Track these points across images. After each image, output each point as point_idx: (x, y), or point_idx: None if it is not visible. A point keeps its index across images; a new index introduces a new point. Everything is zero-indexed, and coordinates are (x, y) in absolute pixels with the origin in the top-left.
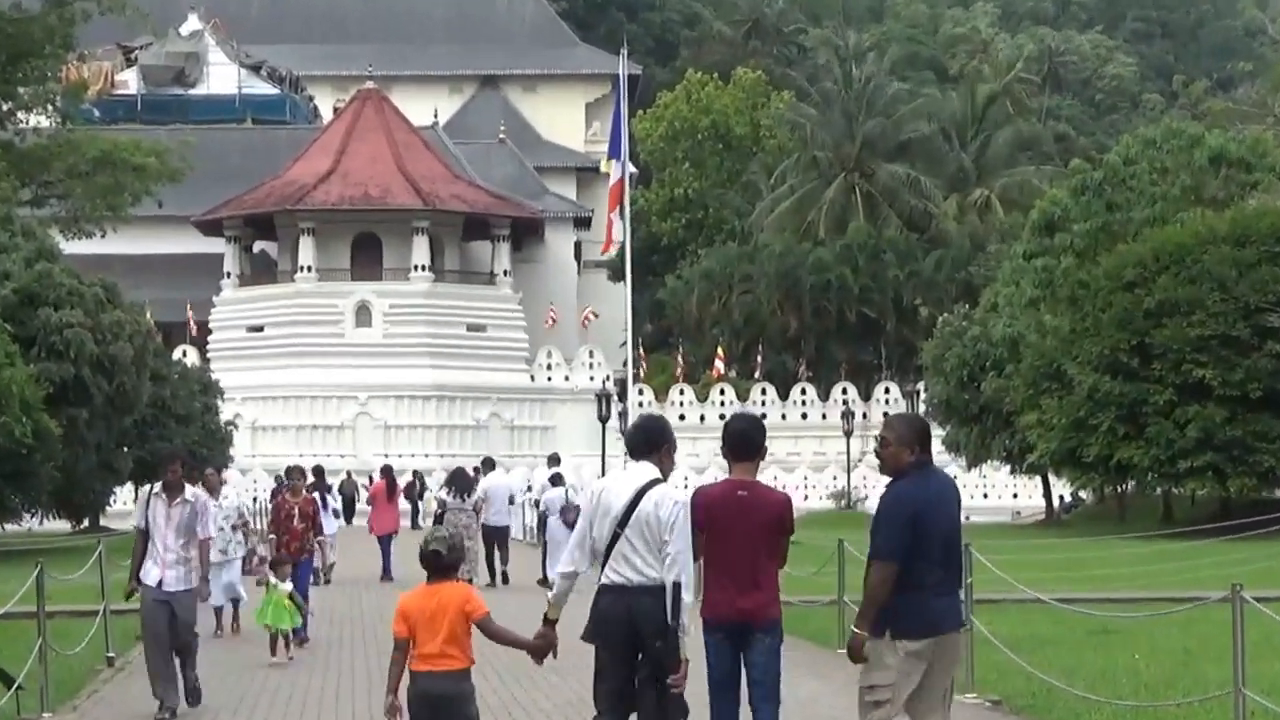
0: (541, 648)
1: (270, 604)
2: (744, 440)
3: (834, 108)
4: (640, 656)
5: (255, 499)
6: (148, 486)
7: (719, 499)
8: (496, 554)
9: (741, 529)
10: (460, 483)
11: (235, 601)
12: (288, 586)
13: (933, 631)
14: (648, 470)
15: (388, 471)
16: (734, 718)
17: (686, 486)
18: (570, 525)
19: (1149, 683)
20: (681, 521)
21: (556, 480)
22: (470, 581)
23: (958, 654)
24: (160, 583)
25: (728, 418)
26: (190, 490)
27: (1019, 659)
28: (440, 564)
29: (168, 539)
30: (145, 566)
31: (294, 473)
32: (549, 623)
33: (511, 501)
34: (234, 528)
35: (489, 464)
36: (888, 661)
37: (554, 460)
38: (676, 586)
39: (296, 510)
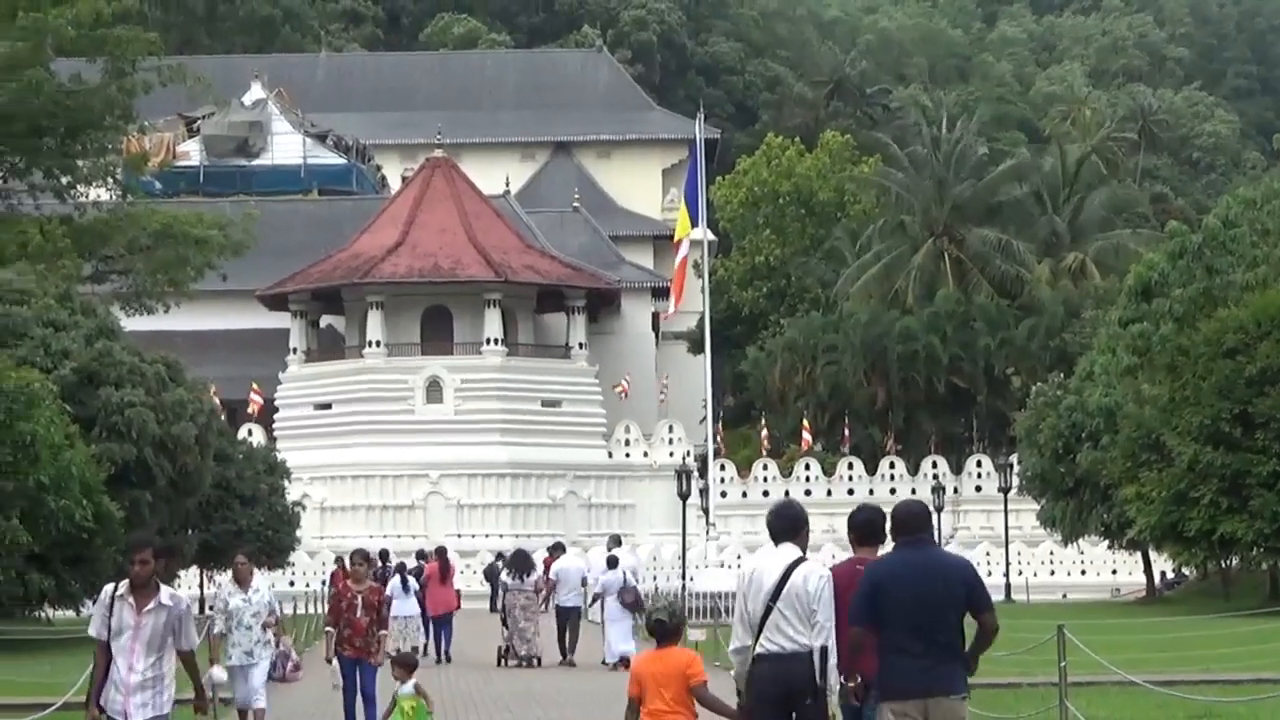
0: (736, 716)
1: (399, 713)
2: (870, 528)
3: (922, 171)
4: (794, 716)
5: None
6: (109, 585)
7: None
8: (568, 634)
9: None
10: (520, 564)
11: (258, 712)
12: (409, 689)
13: (915, 694)
14: (792, 550)
15: (442, 553)
16: None
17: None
18: (629, 607)
19: None
20: (828, 593)
21: (613, 563)
22: (536, 660)
23: (953, 716)
24: (124, 714)
25: (872, 507)
26: (167, 592)
27: None
28: (664, 630)
29: (134, 656)
30: (106, 691)
31: (357, 556)
32: (741, 695)
33: (584, 583)
34: (264, 626)
35: (559, 548)
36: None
37: (615, 542)
38: (824, 651)
39: (360, 600)
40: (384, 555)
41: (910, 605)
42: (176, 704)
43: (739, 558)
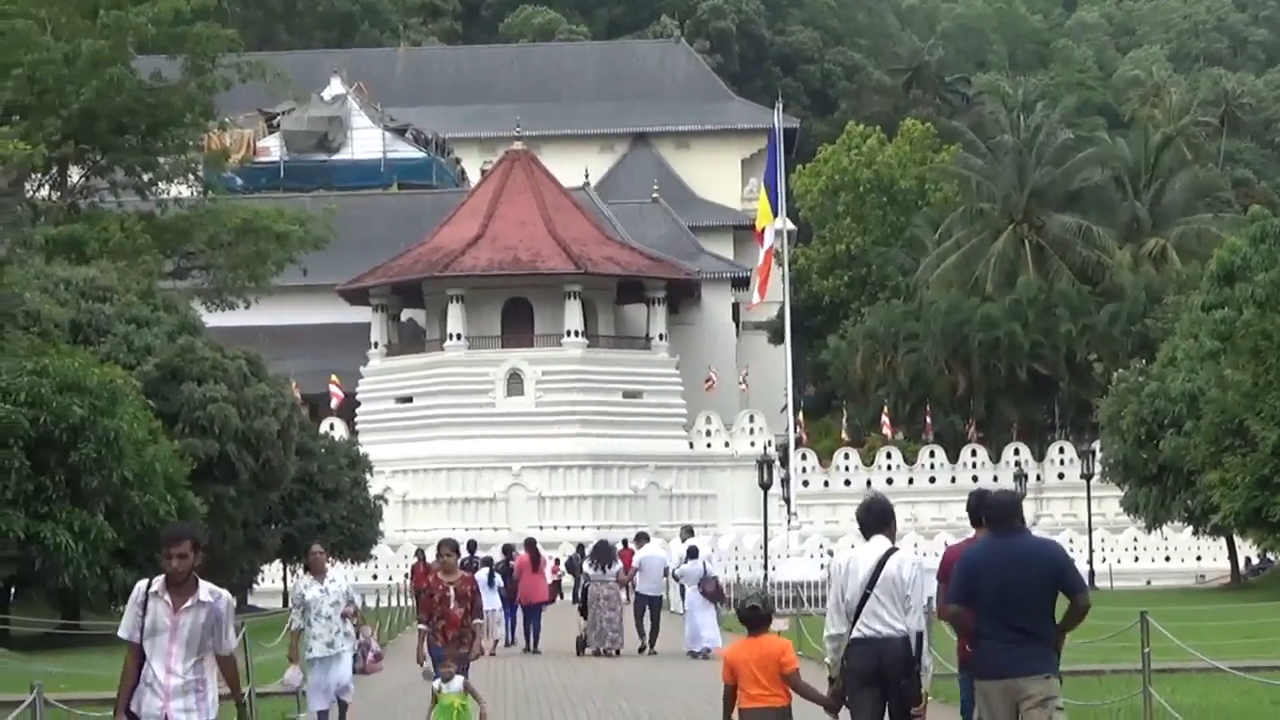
0: (835, 705)
1: (444, 711)
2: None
3: (1002, 158)
4: (885, 692)
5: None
6: (142, 582)
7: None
8: (647, 622)
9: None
10: (602, 555)
11: (343, 705)
12: (457, 686)
13: (999, 675)
14: (884, 541)
15: (531, 544)
16: None
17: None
18: (709, 596)
19: None
20: (920, 580)
21: (693, 553)
22: (618, 651)
23: (1041, 695)
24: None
25: (986, 491)
26: (206, 588)
27: None
28: (757, 618)
29: (172, 659)
30: (140, 695)
31: (446, 547)
32: (834, 681)
33: (666, 573)
34: (343, 616)
35: (643, 538)
36: (978, 700)
37: (688, 532)
38: (920, 635)
39: (453, 591)
40: (472, 546)
41: (999, 591)
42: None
43: (821, 547)
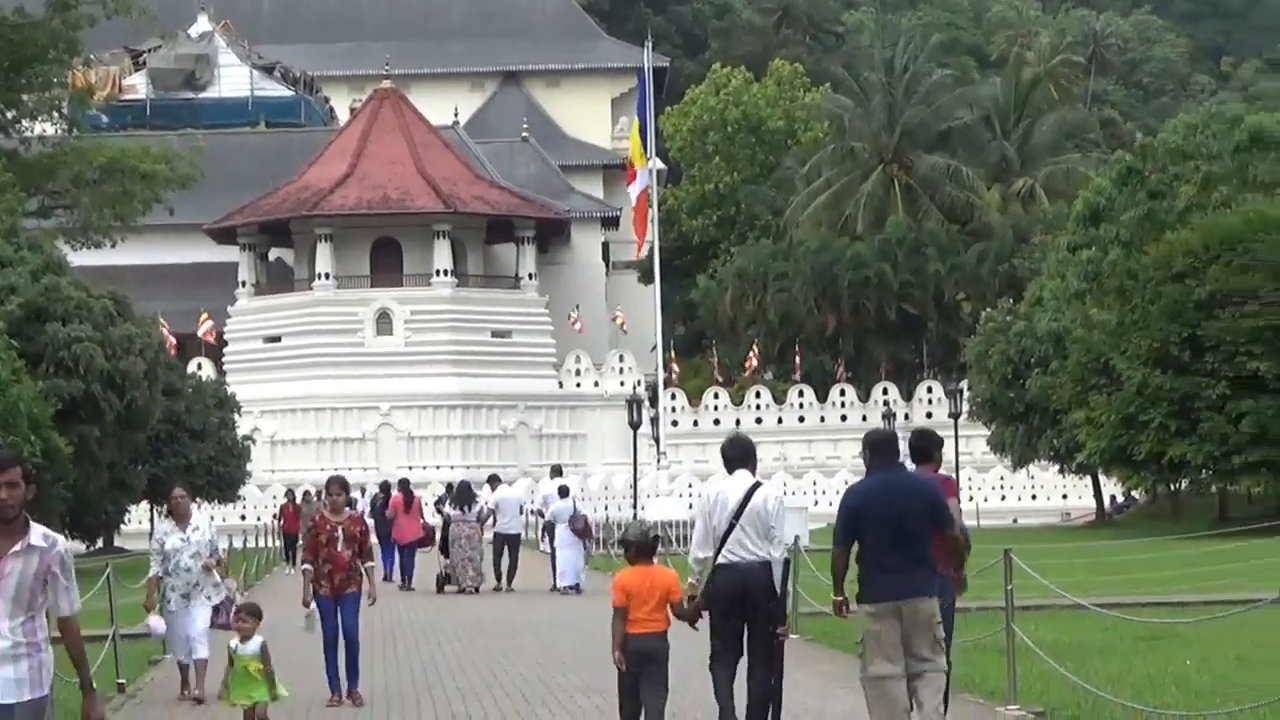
0: (694, 617)
1: (237, 675)
2: (919, 447)
3: (872, 97)
4: (746, 614)
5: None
6: None
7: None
8: (506, 559)
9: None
10: (463, 496)
11: (200, 663)
12: (254, 647)
13: (889, 598)
14: (749, 476)
15: (404, 485)
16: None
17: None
18: (578, 533)
19: (1199, 690)
20: (783, 513)
21: (564, 492)
22: (477, 589)
23: (926, 614)
24: None
25: (913, 431)
26: (39, 531)
27: (1063, 668)
28: (645, 549)
29: None
30: None
31: (334, 485)
32: (692, 598)
33: (521, 511)
34: (204, 568)
35: (495, 479)
36: (866, 622)
37: (556, 472)
38: (785, 562)
39: (341, 532)
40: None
41: (884, 523)
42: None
43: (690, 486)
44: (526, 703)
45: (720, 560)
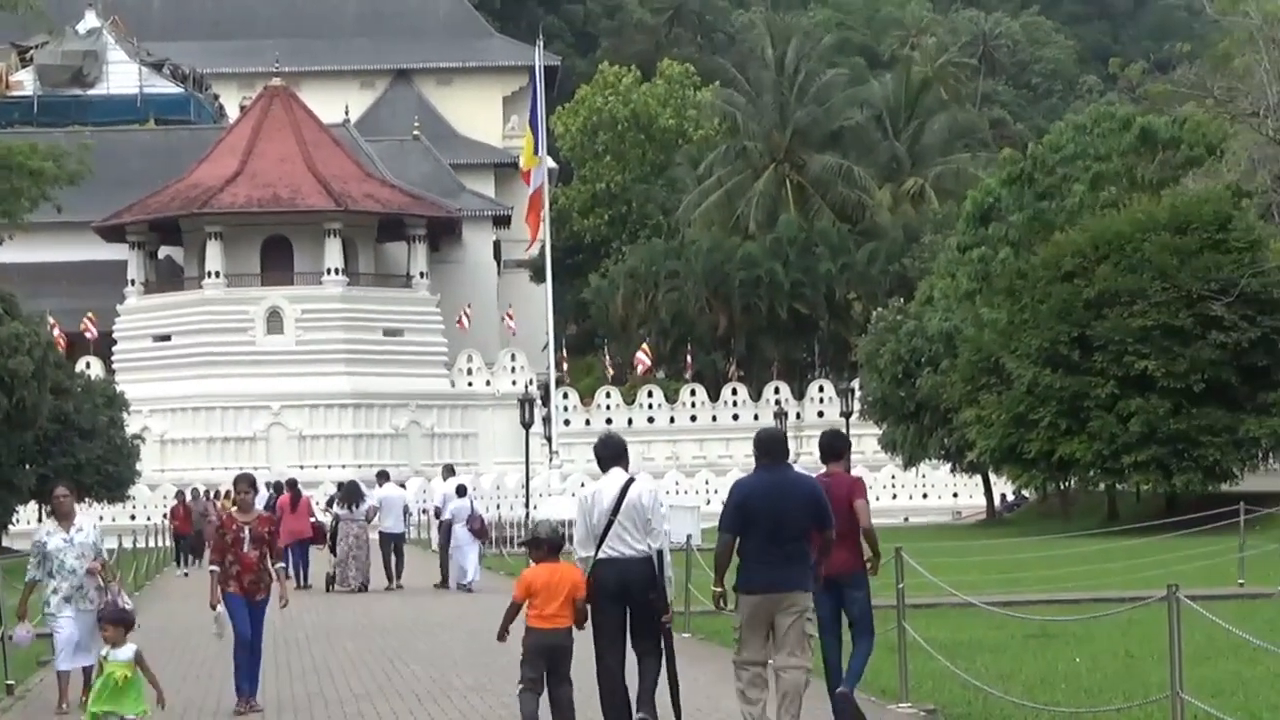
0: (582, 618)
1: (105, 685)
2: (825, 444)
3: (763, 96)
4: (628, 607)
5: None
6: None
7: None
8: (393, 559)
9: (836, 509)
10: (351, 495)
11: (87, 670)
12: (126, 654)
13: (765, 590)
14: (623, 474)
15: (292, 484)
16: (838, 650)
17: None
18: (475, 533)
19: (1088, 687)
20: (658, 506)
21: (461, 491)
22: (364, 587)
23: (799, 608)
24: None
25: (825, 432)
26: None
27: (955, 666)
28: (553, 547)
29: None
30: None
31: (241, 483)
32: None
33: (406, 511)
34: (88, 572)
35: (383, 476)
36: (742, 611)
37: (449, 471)
38: (660, 553)
39: (248, 532)
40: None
41: (767, 519)
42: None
43: (582, 485)
44: (419, 703)
45: (601, 556)
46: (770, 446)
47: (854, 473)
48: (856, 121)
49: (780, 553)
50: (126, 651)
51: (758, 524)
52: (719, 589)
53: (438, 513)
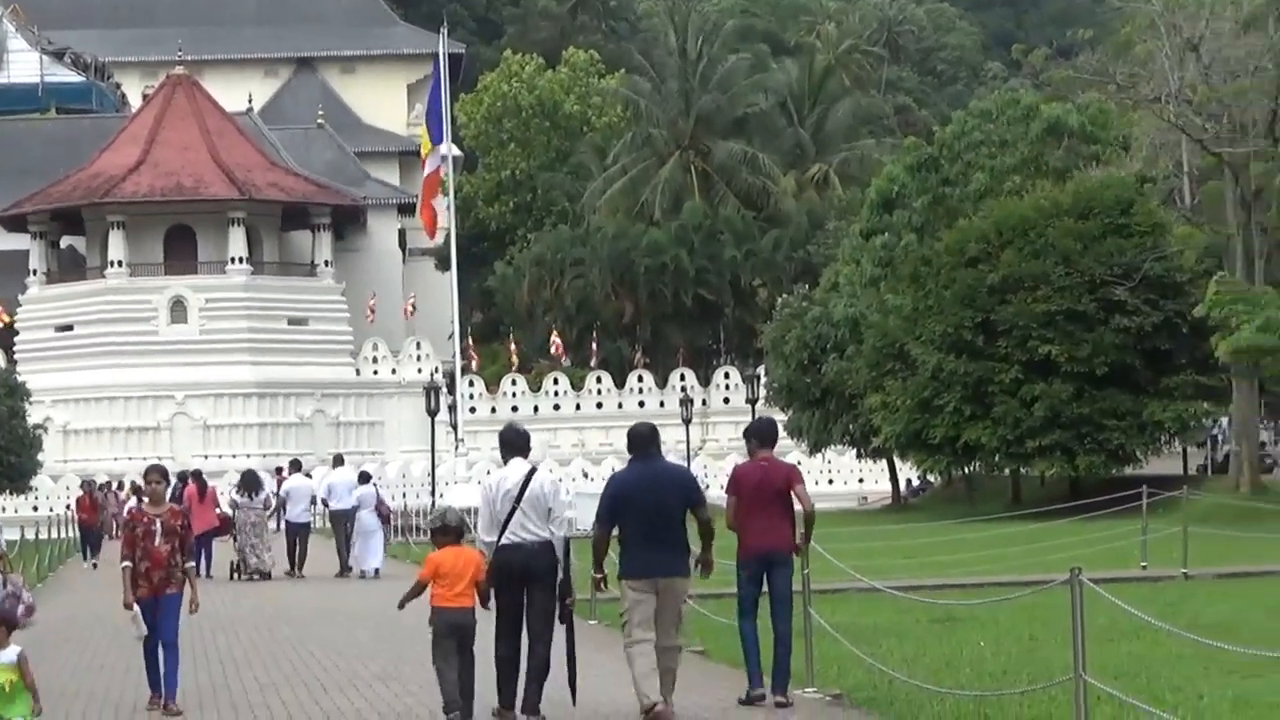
0: (485, 598)
1: None
2: (759, 430)
3: (668, 84)
4: (528, 591)
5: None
6: None
7: (748, 471)
8: (298, 548)
9: (764, 490)
10: (250, 484)
11: None
12: (8, 658)
13: (645, 575)
14: (526, 463)
15: (198, 475)
16: (756, 630)
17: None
18: (383, 518)
19: (992, 671)
20: (559, 494)
21: (365, 479)
22: (265, 575)
23: (678, 591)
24: None
25: (755, 419)
26: None
27: (860, 651)
28: (457, 530)
29: None
30: None
31: (153, 474)
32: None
33: (313, 501)
34: None
35: (295, 465)
36: (626, 595)
37: (338, 461)
38: (565, 540)
39: (159, 525)
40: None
41: (643, 508)
42: None
43: (488, 473)
44: (325, 692)
45: (504, 542)
46: (642, 440)
47: (763, 455)
48: (761, 108)
49: (658, 540)
50: (9, 654)
51: (635, 514)
52: (598, 575)
53: (325, 502)
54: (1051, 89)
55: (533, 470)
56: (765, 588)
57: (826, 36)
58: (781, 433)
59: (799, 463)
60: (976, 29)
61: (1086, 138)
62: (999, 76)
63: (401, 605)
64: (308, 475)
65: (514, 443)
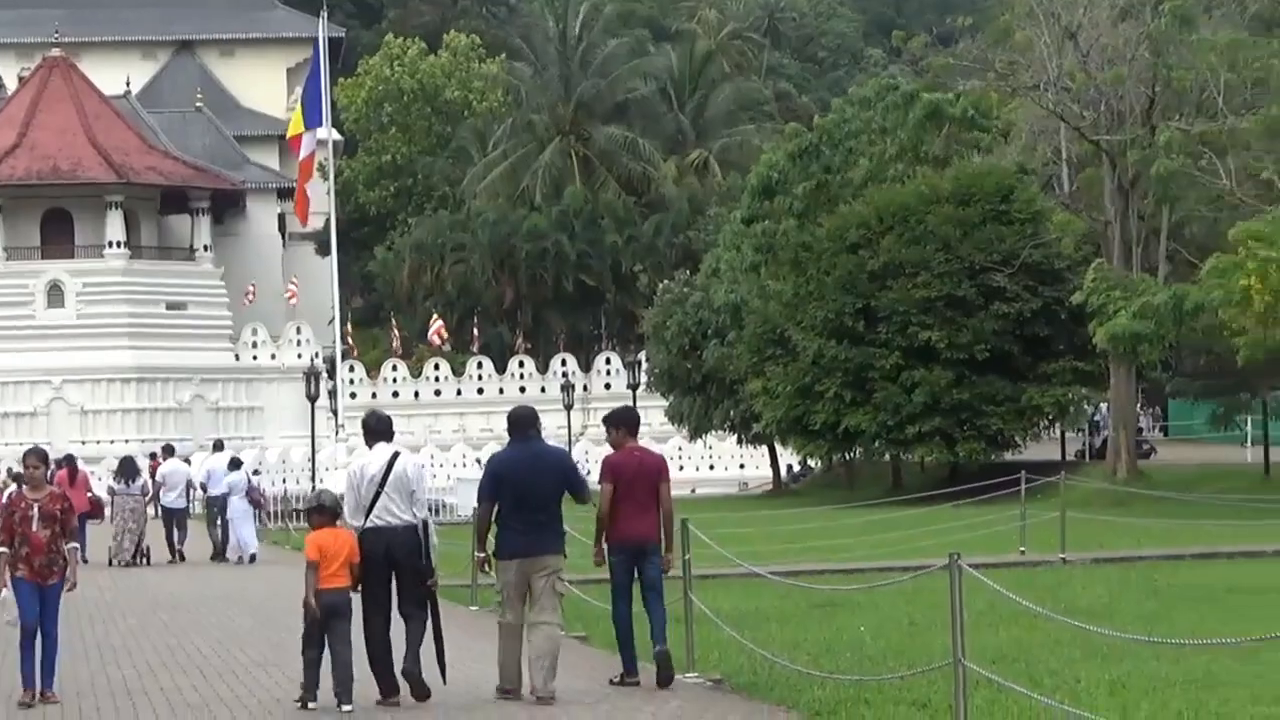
0: (355, 581)
1: None
2: (629, 419)
3: (549, 68)
4: (395, 573)
5: None
6: None
7: (624, 460)
8: (175, 533)
9: (640, 480)
10: (126, 470)
11: None
12: None
13: (520, 554)
14: (390, 448)
15: (70, 460)
16: (630, 614)
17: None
18: (254, 504)
19: (872, 655)
20: (422, 478)
21: (236, 464)
22: (144, 560)
23: (552, 571)
24: None
25: (616, 407)
26: None
27: (740, 636)
28: (332, 510)
29: None
30: None
31: (31, 457)
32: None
33: (190, 486)
34: None
35: (169, 450)
36: (500, 574)
37: (218, 446)
38: (426, 522)
39: (37, 510)
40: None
41: (519, 488)
42: None
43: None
44: (204, 679)
45: (369, 525)
46: (521, 422)
47: (632, 444)
48: (641, 93)
49: (533, 519)
50: None
51: (512, 494)
52: (481, 554)
53: (204, 487)
54: (931, 76)
55: (396, 455)
56: (636, 576)
57: (707, 22)
58: (662, 418)
59: (680, 449)
60: (858, 16)
61: (966, 123)
62: (879, 64)
63: (307, 603)
64: (185, 460)
65: (377, 429)
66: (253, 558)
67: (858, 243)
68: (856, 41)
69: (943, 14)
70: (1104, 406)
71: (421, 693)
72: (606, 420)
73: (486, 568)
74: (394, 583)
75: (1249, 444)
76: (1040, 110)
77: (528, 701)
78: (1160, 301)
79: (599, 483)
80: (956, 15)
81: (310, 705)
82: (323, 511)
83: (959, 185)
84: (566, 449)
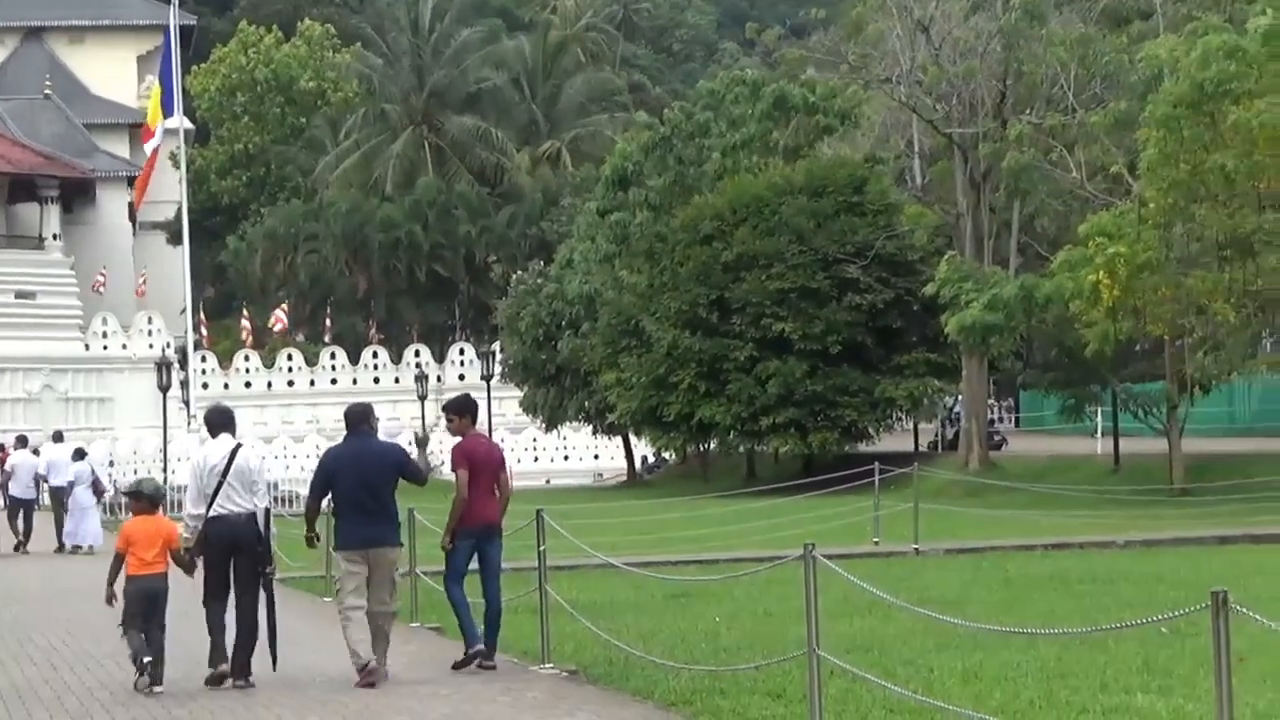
0: (191, 567)
1: None
2: (470, 406)
3: (401, 57)
4: (234, 559)
5: None
6: None
7: (474, 446)
8: (21, 523)
9: (488, 466)
10: None
11: None
12: None
13: (358, 546)
14: (231, 439)
15: None
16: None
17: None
18: (99, 494)
19: (727, 646)
20: (263, 468)
21: (80, 455)
22: None
23: (388, 560)
24: None
25: (455, 396)
26: None
27: (595, 627)
28: (151, 498)
29: None
30: None
31: None
32: (188, 550)
33: (37, 478)
34: None
35: (22, 440)
36: (339, 565)
37: (58, 437)
38: (268, 511)
39: None
40: None
41: (354, 482)
42: None
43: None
44: (54, 670)
45: (212, 514)
46: (356, 418)
47: (494, 436)
48: (494, 83)
49: (367, 512)
50: None
51: (346, 487)
52: (311, 534)
53: (45, 478)
54: (785, 69)
55: (238, 446)
56: (475, 563)
57: (562, 12)
58: (516, 409)
59: (534, 440)
60: (712, 7)
61: (810, 110)
62: (733, 56)
63: (109, 597)
64: (35, 452)
65: (218, 422)
66: (91, 548)
67: (711, 234)
68: (711, 34)
69: (796, 7)
70: (959, 398)
71: (242, 674)
72: (446, 408)
73: (315, 543)
74: (233, 569)
75: (1099, 435)
76: (893, 103)
77: (367, 681)
78: (1010, 294)
79: (452, 469)
80: (810, 8)
81: (157, 689)
82: (140, 499)
83: (812, 177)
84: (400, 444)
